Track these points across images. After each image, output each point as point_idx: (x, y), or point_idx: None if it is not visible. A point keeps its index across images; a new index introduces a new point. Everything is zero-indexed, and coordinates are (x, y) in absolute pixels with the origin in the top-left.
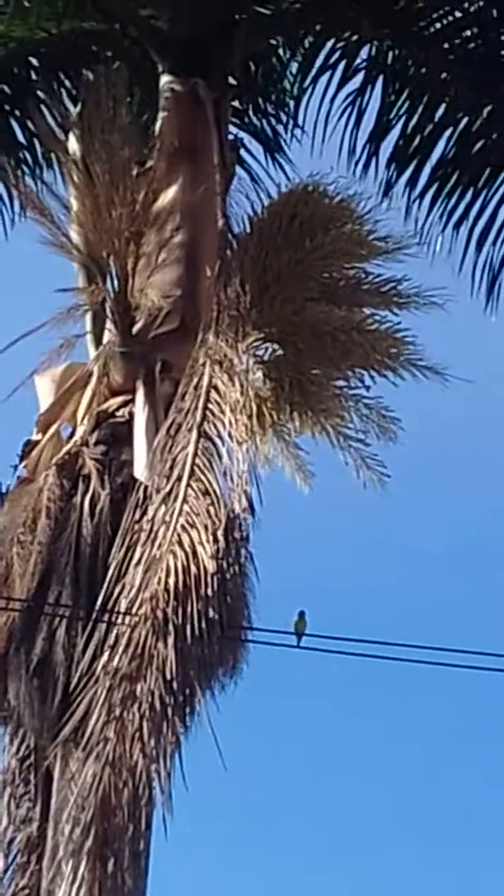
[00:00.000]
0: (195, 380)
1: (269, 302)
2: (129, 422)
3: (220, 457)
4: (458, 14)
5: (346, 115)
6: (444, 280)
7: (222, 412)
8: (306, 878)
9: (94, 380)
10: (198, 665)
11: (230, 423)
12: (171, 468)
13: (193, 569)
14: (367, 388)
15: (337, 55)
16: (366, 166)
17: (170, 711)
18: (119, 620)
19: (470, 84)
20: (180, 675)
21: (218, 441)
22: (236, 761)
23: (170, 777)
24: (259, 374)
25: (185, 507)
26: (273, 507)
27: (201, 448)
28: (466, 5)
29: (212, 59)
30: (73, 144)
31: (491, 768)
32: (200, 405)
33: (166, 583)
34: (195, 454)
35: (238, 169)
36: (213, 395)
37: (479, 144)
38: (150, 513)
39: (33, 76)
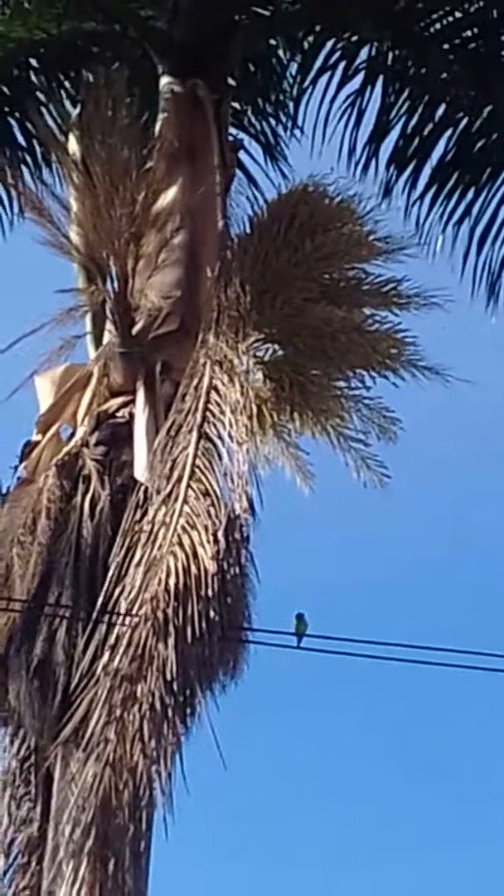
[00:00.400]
0: (195, 380)
1: (270, 303)
2: (130, 423)
3: (220, 457)
4: (458, 14)
5: (345, 115)
6: (445, 280)
7: (222, 413)
8: (308, 879)
9: (94, 380)
10: (198, 666)
11: (230, 423)
12: (172, 469)
13: (194, 569)
14: (368, 388)
15: (337, 56)
16: (366, 167)
17: (170, 712)
18: (119, 621)
19: (470, 84)
20: (181, 676)
21: (218, 442)
22: (237, 762)
23: (170, 778)
24: (259, 374)
25: (186, 508)
26: (274, 508)
27: (201, 449)
28: (466, 6)
29: (211, 60)
30: (72, 145)
31: (490, 767)
32: (201, 406)
33: (167, 583)
34: (195, 455)
35: (237, 170)
36: (214, 395)
37: (479, 145)
38: (151, 513)
39: (33, 77)
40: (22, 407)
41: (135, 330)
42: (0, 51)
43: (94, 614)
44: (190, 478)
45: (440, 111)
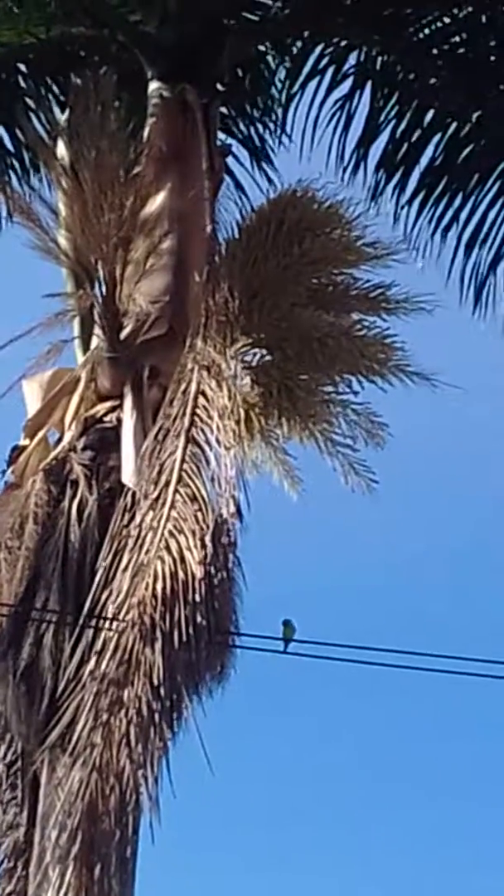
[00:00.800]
0: (183, 385)
1: (258, 307)
2: (117, 427)
3: (207, 462)
4: (446, 20)
5: (334, 120)
6: (433, 286)
7: (210, 418)
8: (294, 884)
9: (81, 385)
10: (185, 670)
11: (218, 428)
12: (159, 474)
13: (181, 574)
14: (356, 393)
15: (325, 61)
16: (354, 172)
17: (157, 717)
18: (106, 626)
19: (458, 90)
20: (167, 681)
21: (206, 446)
22: (224, 766)
23: (157, 782)
24: (247, 379)
25: (173, 513)
26: (261, 513)
27: (189, 454)
28: (455, 11)
29: (200, 65)
30: (61, 150)
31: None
32: (188, 411)
33: (154, 588)
34: (183, 460)
35: (226, 175)
36: (201, 400)
37: (467, 150)
38: (138, 518)
39: (21, 82)
40: (9, 411)
41: (123, 334)
42: None
43: (81, 619)
44: (177, 482)
45: (429, 116)
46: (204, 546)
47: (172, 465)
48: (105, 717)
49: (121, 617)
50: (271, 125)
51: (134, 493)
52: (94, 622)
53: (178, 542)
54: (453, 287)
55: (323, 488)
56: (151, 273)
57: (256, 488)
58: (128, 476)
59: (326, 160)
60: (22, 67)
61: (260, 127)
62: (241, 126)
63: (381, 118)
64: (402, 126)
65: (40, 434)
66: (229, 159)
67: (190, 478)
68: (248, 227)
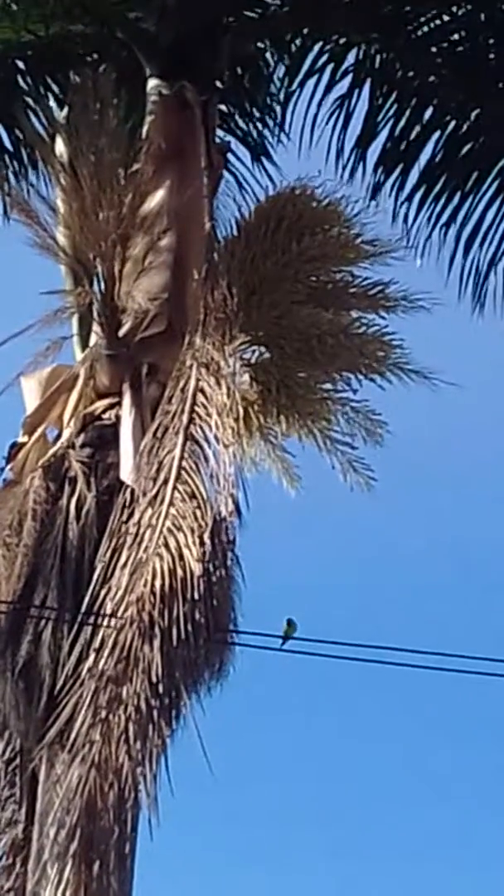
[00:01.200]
0: (182, 383)
1: (257, 305)
2: (116, 424)
3: (206, 460)
4: (445, 18)
5: (333, 118)
6: (432, 283)
7: (209, 415)
8: (294, 884)
9: (80, 382)
10: (184, 668)
11: (217, 426)
12: (158, 471)
13: (180, 572)
14: (354, 391)
15: (324, 59)
16: (353, 170)
17: (156, 714)
18: (105, 623)
19: (458, 88)
20: (166, 678)
21: (204, 444)
22: (222, 764)
23: (155, 780)
24: (246, 377)
25: (172, 510)
26: (259, 510)
27: (188, 451)
28: (454, 9)
29: (199, 63)
30: (60, 147)
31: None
32: (187, 408)
33: (152, 585)
34: (182, 457)
35: (225, 172)
36: (200, 398)
37: (466, 148)
38: (137, 515)
39: (20, 79)
40: (8, 408)
41: (121, 332)
42: None
43: (80, 616)
44: (176, 480)
45: (428, 114)
46: (203, 543)
47: (171, 463)
48: (104, 714)
49: (119, 614)
50: (270, 123)
51: (133, 491)
52: (92, 619)
53: (176, 540)
54: (452, 285)
55: (322, 486)
56: (150, 270)
57: (255, 486)
58: (126, 473)
59: (325, 158)
60: (20, 65)
61: (259, 124)
62: (240, 123)
63: (380, 116)
64: (402, 124)
65: (39, 431)
66: (228, 157)
67: (189, 475)
68: (247, 224)
